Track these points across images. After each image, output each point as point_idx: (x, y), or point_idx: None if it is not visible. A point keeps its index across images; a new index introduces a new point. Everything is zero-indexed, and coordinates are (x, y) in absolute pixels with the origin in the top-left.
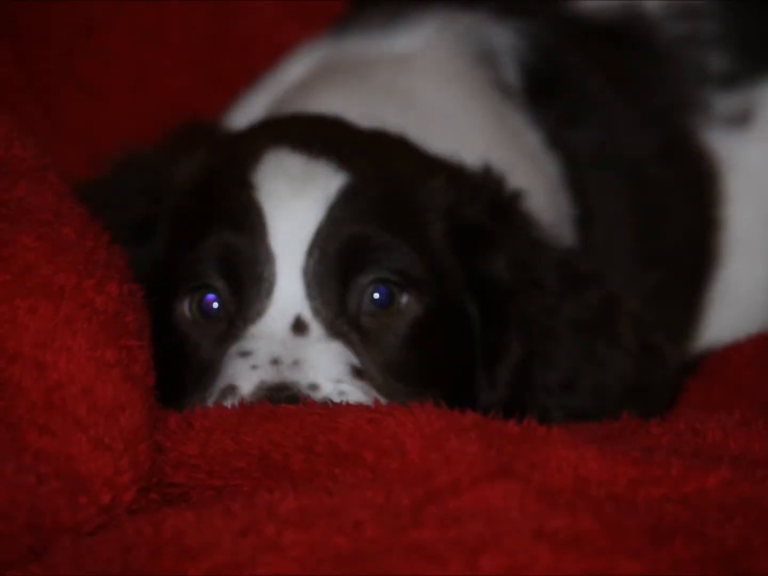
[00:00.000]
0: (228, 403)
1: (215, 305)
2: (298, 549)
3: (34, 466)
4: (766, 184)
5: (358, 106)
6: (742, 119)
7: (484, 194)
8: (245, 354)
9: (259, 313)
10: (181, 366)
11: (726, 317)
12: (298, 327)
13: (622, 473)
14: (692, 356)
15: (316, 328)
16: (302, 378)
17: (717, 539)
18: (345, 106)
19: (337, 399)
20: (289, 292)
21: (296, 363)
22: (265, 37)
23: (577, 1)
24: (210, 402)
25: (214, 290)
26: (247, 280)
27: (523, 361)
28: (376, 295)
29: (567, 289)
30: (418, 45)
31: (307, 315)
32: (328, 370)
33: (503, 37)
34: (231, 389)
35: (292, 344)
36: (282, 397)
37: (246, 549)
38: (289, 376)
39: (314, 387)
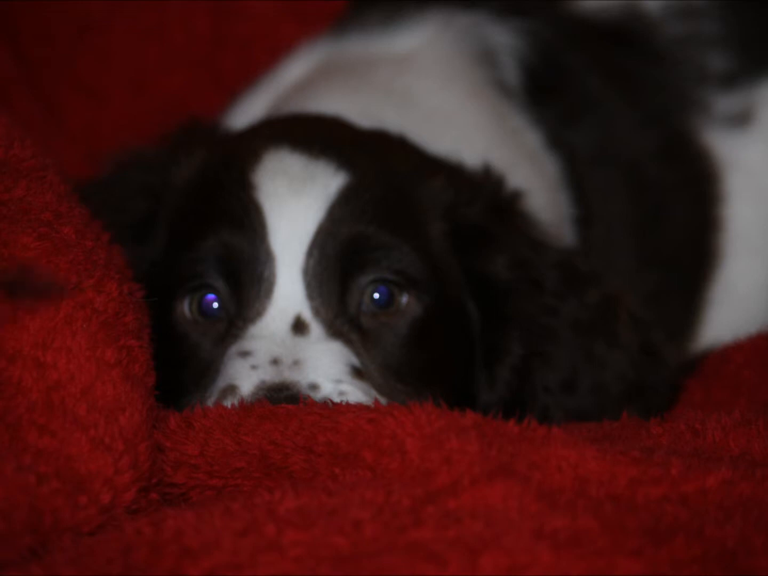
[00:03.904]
0: (228, 403)
1: (215, 305)
2: (298, 549)
3: (34, 466)
4: (766, 184)
5: (358, 106)
6: (742, 119)
7: (483, 194)
8: (245, 354)
9: (259, 313)
10: (180, 366)
11: (726, 317)
12: (298, 327)
13: (622, 473)
14: (692, 356)
15: (316, 328)
16: (302, 378)
17: (717, 539)
18: (345, 105)
19: (337, 399)
20: (289, 292)
21: (296, 363)
22: (265, 37)
23: (577, 1)
24: (210, 402)
25: (214, 290)
26: (247, 280)
27: (523, 361)
28: (376, 295)
29: (567, 288)
30: (417, 44)
31: (307, 315)
32: (328, 370)
33: (503, 37)
34: (231, 389)
35: (292, 344)
36: (282, 397)
37: (246, 549)
38: (289, 376)
39: (314, 387)
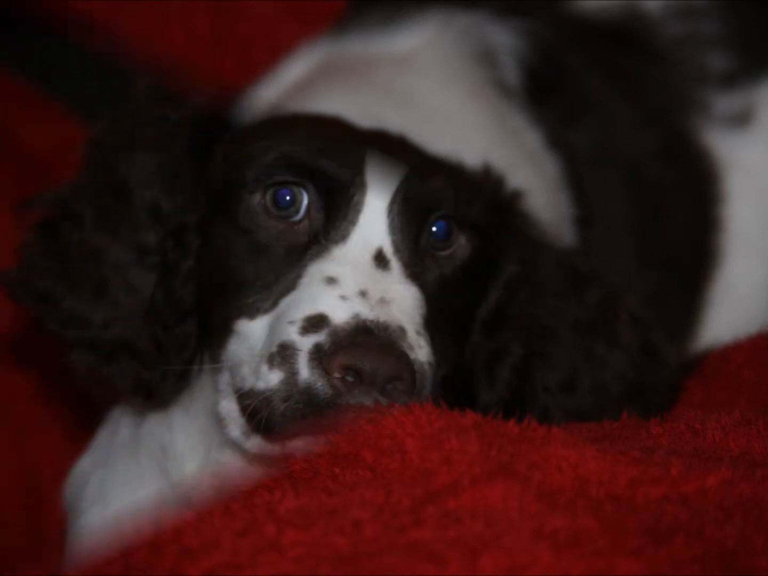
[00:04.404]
0: (320, 334)
1: (304, 203)
2: (298, 549)
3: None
4: (766, 184)
5: (358, 106)
6: (742, 119)
7: (483, 194)
8: (331, 280)
9: (343, 237)
10: (244, 261)
11: (726, 317)
12: (380, 259)
13: (622, 473)
14: (692, 356)
15: (395, 266)
16: (393, 320)
17: (717, 539)
18: (345, 105)
19: (416, 350)
20: (373, 223)
21: (383, 300)
22: (265, 37)
23: (577, 1)
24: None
25: (299, 186)
26: (338, 199)
27: (523, 361)
28: (434, 228)
29: (567, 288)
30: (418, 44)
31: (388, 249)
32: (412, 317)
33: (503, 37)
34: (321, 318)
35: (376, 277)
36: (375, 342)
37: (246, 549)
38: (381, 314)
39: (403, 331)
